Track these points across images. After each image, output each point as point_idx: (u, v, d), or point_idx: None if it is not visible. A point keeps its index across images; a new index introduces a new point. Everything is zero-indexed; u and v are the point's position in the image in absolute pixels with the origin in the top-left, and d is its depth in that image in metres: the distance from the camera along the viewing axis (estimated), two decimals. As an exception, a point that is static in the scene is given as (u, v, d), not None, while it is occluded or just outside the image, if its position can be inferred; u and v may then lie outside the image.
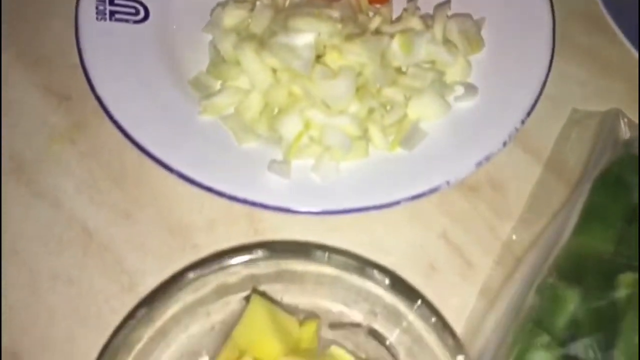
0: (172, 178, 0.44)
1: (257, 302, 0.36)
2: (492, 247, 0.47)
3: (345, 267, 0.35)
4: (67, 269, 0.45)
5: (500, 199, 0.49)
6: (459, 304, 0.44)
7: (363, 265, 0.35)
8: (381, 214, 0.45)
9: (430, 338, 0.35)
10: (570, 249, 0.43)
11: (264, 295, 0.37)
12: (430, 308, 0.35)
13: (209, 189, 0.42)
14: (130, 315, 0.37)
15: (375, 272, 0.35)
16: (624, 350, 0.38)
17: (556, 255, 0.43)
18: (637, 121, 0.49)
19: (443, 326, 0.34)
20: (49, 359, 0.43)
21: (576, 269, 0.41)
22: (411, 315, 0.36)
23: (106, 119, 0.45)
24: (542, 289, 0.41)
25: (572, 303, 0.40)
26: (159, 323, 0.35)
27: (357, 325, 0.39)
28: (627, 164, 0.45)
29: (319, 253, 0.35)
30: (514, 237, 0.46)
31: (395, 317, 0.37)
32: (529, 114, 0.45)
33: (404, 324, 0.36)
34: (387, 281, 0.34)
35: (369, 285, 0.36)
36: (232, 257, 0.35)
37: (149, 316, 0.34)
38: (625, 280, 0.40)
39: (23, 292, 0.44)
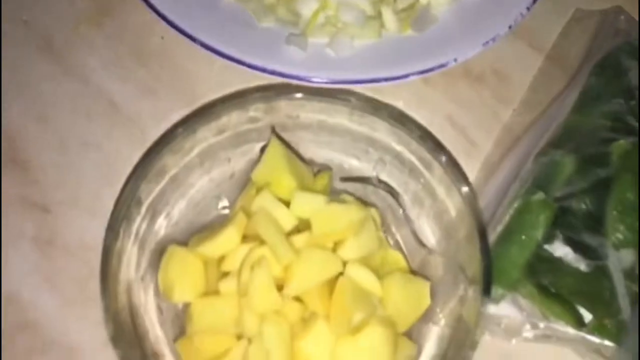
0: (194, 58, 0.46)
1: (275, 144, 0.39)
2: (494, 130, 0.49)
3: (361, 108, 0.37)
4: (95, 137, 0.48)
5: (504, 87, 0.51)
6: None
7: (378, 105, 0.37)
8: (391, 97, 0.48)
9: (435, 180, 0.38)
10: (568, 124, 0.45)
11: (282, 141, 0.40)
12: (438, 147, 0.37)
13: (228, 57, 0.44)
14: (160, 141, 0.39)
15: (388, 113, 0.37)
16: (615, 204, 0.40)
17: (554, 131, 0.45)
18: (637, 17, 0.51)
19: (449, 162, 0.36)
20: (77, 213, 0.46)
21: (573, 140, 0.44)
22: (416, 159, 0.38)
23: (130, 3, 0.48)
24: (540, 157, 0.44)
25: (568, 168, 0.43)
26: (185, 158, 0.38)
27: (366, 179, 0.42)
28: (624, 50, 0.47)
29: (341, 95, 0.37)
30: (513, 117, 0.49)
31: (401, 164, 0.39)
32: (534, 1, 0.48)
33: (411, 170, 0.39)
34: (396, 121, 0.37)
35: (379, 135, 0.39)
36: (253, 93, 0.37)
37: (177, 145, 0.36)
38: (620, 146, 0.43)
39: (53, 154, 0.47)
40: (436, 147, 0.37)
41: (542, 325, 0.39)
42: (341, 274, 0.36)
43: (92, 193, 0.46)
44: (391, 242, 0.41)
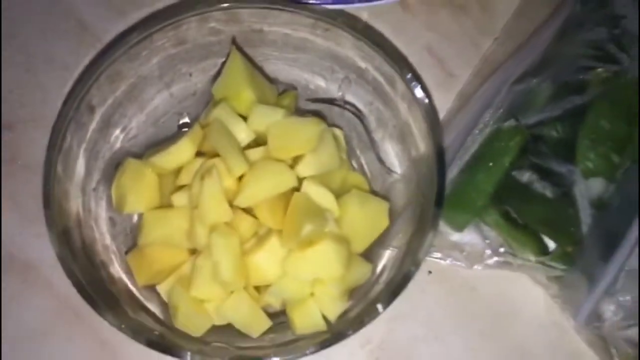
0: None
1: (235, 56, 0.37)
2: (474, 61, 0.48)
3: (325, 19, 0.36)
4: (62, 56, 0.47)
5: (487, 18, 0.50)
6: (438, 106, 0.46)
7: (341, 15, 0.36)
8: (369, 27, 0.47)
9: (398, 97, 0.36)
10: (547, 52, 0.43)
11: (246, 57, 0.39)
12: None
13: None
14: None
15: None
16: (588, 131, 0.39)
17: (533, 59, 0.44)
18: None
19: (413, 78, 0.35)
20: (41, 132, 0.45)
21: (552, 68, 0.42)
22: (380, 75, 0.37)
23: None
24: (516, 85, 0.42)
25: (543, 96, 0.41)
26: (142, 67, 0.37)
27: (332, 100, 0.41)
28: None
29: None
30: (494, 46, 0.47)
31: (366, 82, 0.38)
32: None
33: (375, 89, 0.38)
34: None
35: (343, 50, 0.38)
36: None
37: (133, 51, 0.35)
38: (599, 74, 0.41)
39: (19, 70, 0.46)
40: (400, 61, 0.36)
41: (502, 251, 0.38)
42: (298, 190, 0.35)
43: (56, 112, 0.45)
44: (355, 165, 0.40)
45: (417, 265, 0.32)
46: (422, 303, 0.41)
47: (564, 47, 0.43)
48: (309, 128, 0.35)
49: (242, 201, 0.34)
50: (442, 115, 0.46)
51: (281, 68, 0.40)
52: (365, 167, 0.40)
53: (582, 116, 0.40)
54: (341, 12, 0.38)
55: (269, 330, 0.35)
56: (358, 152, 0.40)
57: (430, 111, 0.34)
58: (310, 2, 0.43)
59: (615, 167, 0.38)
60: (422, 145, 0.35)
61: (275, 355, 0.31)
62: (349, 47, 0.37)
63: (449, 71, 0.48)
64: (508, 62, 0.46)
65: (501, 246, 0.39)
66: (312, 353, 0.31)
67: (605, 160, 0.38)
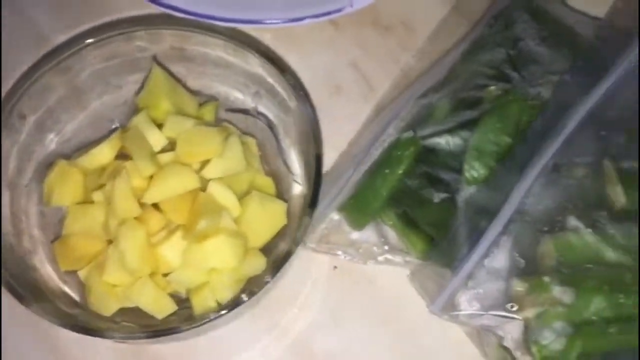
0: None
1: (156, 71, 0.42)
2: (394, 76, 0.52)
3: (232, 41, 0.41)
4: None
5: (411, 37, 0.54)
6: (355, 118, 0.50)
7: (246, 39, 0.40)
8: (299, 42, 0.51)
9: (298, 111, 0.41)
10: (452, 71, 0.48)
11: (167, 72, 0.44)
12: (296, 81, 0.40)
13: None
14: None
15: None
16: (476, 143, 0.43)
17: (439, 76, 0.48)
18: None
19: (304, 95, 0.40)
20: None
21: (453, 85, 0.47)
22: (283, 91, 0.41)
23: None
24: (420, 100, 0.47)
25: (441, 111, 0.46)
26: (75, 80, 0.42)
27: (247, 110, 0.45)
28: (519, 3, 0.49)
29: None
30: (412, 63, 0.51)
31: (274, 97, 0.43)
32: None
33: (280, 103, 0.43)
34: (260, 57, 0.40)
35: (252, 68, 0.42)
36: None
37: (64, 65, 0.40)
38: (491, 92, 0.45)
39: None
40: (293, 79, 0.40)
41: (386, 249, 0.42)
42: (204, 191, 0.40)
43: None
44: (268, 169, 0.44)
45: (296, 244, 0.36)
46: (328, 296, 0.45)
47: (466, 66, 0.47)
48: (215, 136, 0.40)
49: (148, 198, 0.38)
50: (359, 125, 0.50)
51: (204, 82, 0.45)
52: (277, 170, 0.44)
53: (472, 130, 0.44)
54: (247, 35, 0.43)
55: (175, 314, 0.39)
56: (271, 158, 0.44)
57: (313, 122, 0.39)
58: (243, 20, 0.47)
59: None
60: (309, 152, 0.39)
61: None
62: (256, 66, 0.42)
63: (371, 85, 0.52)
64: (420, 78, 0.50)
65: (388, 244, 0.43)
66: (210, 321, 0.36)
67: (488, 169, 0.42)
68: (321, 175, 0.38)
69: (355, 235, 0.44)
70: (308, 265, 0.46)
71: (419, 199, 0.43)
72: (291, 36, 0.52)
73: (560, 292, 0.35)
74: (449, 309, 0.37)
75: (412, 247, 0.43)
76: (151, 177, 0.39)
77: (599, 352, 0.35)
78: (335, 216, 0.45)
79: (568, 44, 0.47)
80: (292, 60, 0.52)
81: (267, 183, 0.43)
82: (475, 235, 0.38)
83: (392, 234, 0.45)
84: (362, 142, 0.48)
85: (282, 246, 0.41)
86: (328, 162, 0.49)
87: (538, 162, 0.39)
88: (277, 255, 0.40)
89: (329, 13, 0.49)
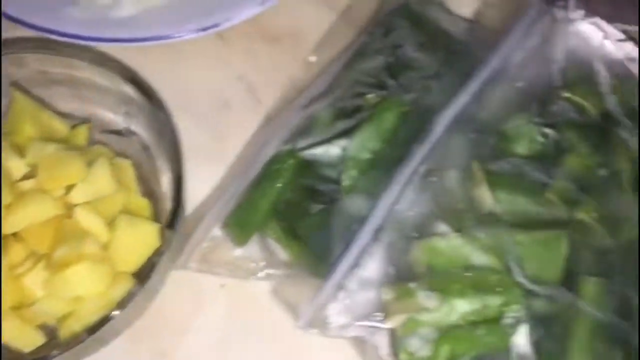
0: None
1: (17, 98, 0.41)
2: (283, 87, 0.52)
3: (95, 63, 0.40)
4: None
5: (299, 47, 0.53)
6: (244, 132, 0.49)
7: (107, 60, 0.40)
8: (186, 58, 0.51)
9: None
10: (332, 82, 0.47)
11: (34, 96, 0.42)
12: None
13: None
14: None
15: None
16: (353, 152, 0.43)
17: (321, 86, 0.48)
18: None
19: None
20: None
21: (334, 94, 0.46)
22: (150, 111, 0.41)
23: None
24: (302, 111, 0.46)
25: (322, 121, 0.45)
26: None
27: (120, 131, 0.44)
28: (400, 11, 0.50)
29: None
30: (300, 73, 0.51)
31: (145, 116, 0.42)
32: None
33: (149, 121, 0.42)
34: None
35: (120, 88, 0.42)
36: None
37: None
38: (369, 100, 0.45)
39: None
40: (156, 100, 0.40)
41: (263, 264, 0.41)
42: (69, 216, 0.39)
43: None
44: (144, 190, 0.43)
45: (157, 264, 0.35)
46: (215, 315, 0.45)
47: (347, 74, 0.47)
48: (77, 159, 0.39)
49: (7, 227, 0.37)
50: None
51: (75, 104, 0.44)
52: (154, 191, 0.43)
53: (350, 139, 0.44)
54: (106, 55, 0.42)
55: (48, 344, 0.38)
56: (147, 178, 0.44)
57: (173, 143, 0.38)
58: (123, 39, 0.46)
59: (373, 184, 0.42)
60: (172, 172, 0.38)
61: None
62: (122, 85, 0.41)
63: (259, 98, 0.52)
64: (306, 89, 0.50)
65: (274, 259, 0.43)
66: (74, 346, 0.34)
67: (364, 177, 0.42)
68: (181, 196, 0.38)
69: (238, 251, 0.44)
70: (195, 285, 0.45)
71: (300, 211, 0.43)
72: (179, 51, 0.52)
73: (425, 298, 0.35)
74: (318, 322, 0.36)
75: (295, 260, 0.42)
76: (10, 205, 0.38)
77: (469, 355, 0.35)
78: (218, 233, 0.44)
79: (444, 48, 0.47)
80: (179, 75, 0.52)
81: (143, 205, 0.42)
82: (347, 245, 0.38)
83: (278, 248, 0.44)
84: (247, 156, 0.47)
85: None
86: (216, 178, 0.48)
87: (406, 168, 0.39)
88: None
89: (206, 28, 0.48)
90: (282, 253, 0.44)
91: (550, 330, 0.36)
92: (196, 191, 0.47)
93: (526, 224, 0.38)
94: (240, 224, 0.43)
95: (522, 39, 0.43)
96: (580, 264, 0.38)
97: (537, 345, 0.35)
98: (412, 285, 0.36)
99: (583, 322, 0.36)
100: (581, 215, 0.38)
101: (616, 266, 0.38)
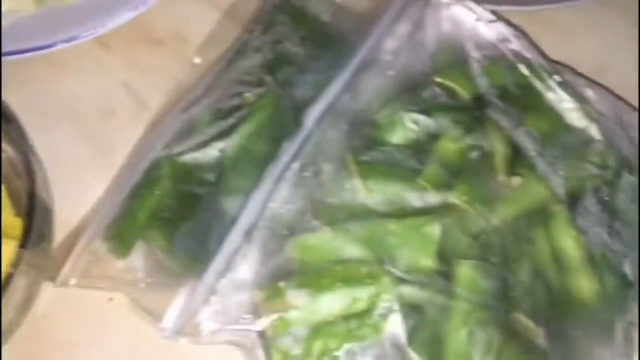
0: None
1: None
2: (168, 91, 0.51)
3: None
4: None
5: (184, 49, 0.52)
6: (129, 140, 0.48)
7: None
8: (68, 68, 0.50)
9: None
10: (211, 82, 0.47)
11: None
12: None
13: None
14: None
15: None
16: (230, 153, 0.42)
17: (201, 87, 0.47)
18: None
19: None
20: None
21: (212, 96, 0.45)
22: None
23: None
24: (181, 114, 0.45)
25: (202, 124, 0.44)
26: None
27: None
28: (280, 6, 0.49)
29: None
30: (184, 76, 0.50)
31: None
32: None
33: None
34: None
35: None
36: None
37: None
38: (247, 98, 0.44)
39: None
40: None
41: (140, 275, 0.40)
42: None
43: None
44: (19, 207, 0.42)
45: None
46: (102, 329, 0.43)
47: (227, 75, 0.46)
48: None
49: None
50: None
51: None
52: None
53: (227, 140, 0.43)
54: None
55: None
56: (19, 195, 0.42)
57: (27, 160, 0.37)
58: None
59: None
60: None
61: None
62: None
63: (145, 104, 0.51)
64: (188, 92, 0.49)
65: (159, 268, 0.42)
66: None
67: (245, 177, 0.41)
68: (34, 214, 0.36)
69: (121, 263, 0.42)
70: (81, 300, 0.43)
71: (180, 217, 0.42)
72: (60, 61, 0.50)
73: (294, 297, 0.34)
74: (188, 329, 0.35)
75: (178, 268, 0.41)
76: None
77: (343, 349, 0.35)
78: (100, 246, 0.43)
79: (323, 40, 0.46)
80: (62, 86, 0.50)
81: (13, 223, 0.40)
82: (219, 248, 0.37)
83: (164, 257, 0.43)
84: (130, 164, 0.46)
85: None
86: (102, 189, 0.47)
87: (277, 165, 0.38)
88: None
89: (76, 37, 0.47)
90: (167, 261, 0.43)
91: (425, 317, 0.36)
92: (79, 204, 0.45)
93: (399, 212, 0.38)
94: (120, 235, 0.42)
95: (392, 25, 0.43)
96: (454, 248, 0.37)
97: (412, 333, 0.35)
98: (281, 284, 0.35)
99: (458, 306, 0.36)
100: (453, 198, 0.38)
101: (491, 248, 0.38)
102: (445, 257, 0.37)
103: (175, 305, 0.36)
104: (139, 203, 0.42)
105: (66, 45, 0.47)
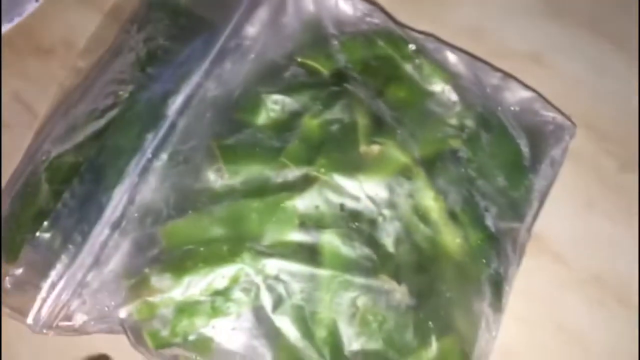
0: None
1: None
2: (55, 97, 0.52)
3: None
4: None
5: (72, 55, 0.54)
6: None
7: None
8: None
9: None
10: (94, 80, 0.48)
11: None
12: None
13: None
14: None
15: None
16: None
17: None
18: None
19: None
20: None
21: (89, 96, 0.47)
22: None
23: None
24: (62, 116, 0.46)
25: (79, 126, 0.45)
26: None
27: None
28: (153, 6, 0.50)
29: None
30: (69, 81, 0.51)
31: None
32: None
33: None
34: None
35: None
36: None
37: None
38: (120, 97, 0.45)
39: None
40: None
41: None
42: None
43: None
44: None
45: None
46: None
47: (102, 75, 0.48)
48: None
49: None
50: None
51: None
52: None
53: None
54: None
55: None
56: None
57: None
58: None
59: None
60: None
61: None
62: None
63: (36, 114, 0.52)
64: (70, 96, 0.50)
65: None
66: None
67: (114, 172, 0.42)
68: None
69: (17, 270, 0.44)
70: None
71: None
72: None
73: (157, 280, 0.36)
74: (59, 322, 0.36)
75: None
76: None
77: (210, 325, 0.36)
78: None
79: (190, 33, 0.47)
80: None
81: None
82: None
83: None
84: (14, 173, 0.47)
85: None
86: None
87: (142, 157, 0.40)
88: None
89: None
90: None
91: (292, 287, 0.37)
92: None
93: (261, 191, 0.39)
94: (7, 241, 0.43)
95: (251, 12, 0.44)
96: (320, 219, 0.39)
97: (278, 303, 0.37)
98: (146, 270, 0.36)
99: (323, 274, 0.37)
100: (312, 172, 0.39)
101: (357, 215, 0.39)
102: (311, 228, 0.39)
103: (40, 300, 0.37)
104: (21, 208, 0.43)
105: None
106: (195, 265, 0.36)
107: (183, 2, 0.50)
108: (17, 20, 0.49)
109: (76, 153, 0.44)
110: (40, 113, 0.51)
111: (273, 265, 0.37)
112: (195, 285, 0.36)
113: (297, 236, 0.38)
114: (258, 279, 0.36)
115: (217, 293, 0.36)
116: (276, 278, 0.37)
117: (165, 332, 0.36)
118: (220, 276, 0.36)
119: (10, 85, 0.52)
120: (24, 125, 0.51)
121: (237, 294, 0.36)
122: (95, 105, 0.46)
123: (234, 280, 0.36)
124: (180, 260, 0.37)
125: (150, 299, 0.36)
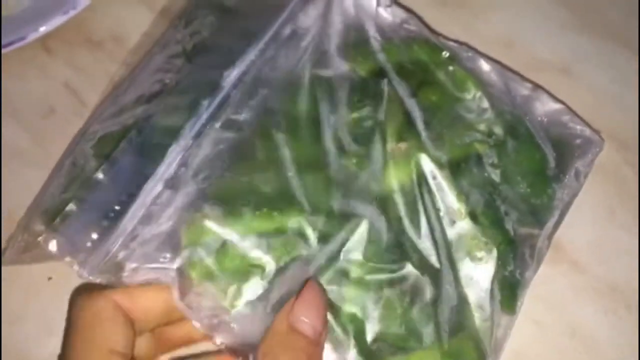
0: None
1: None
2: (106, 90, 0.55)
3: None
4: None
5: (121, 49, 0.57)
6: (70, 135, 0.52)
7: None
8: (12, 70, 0.54)
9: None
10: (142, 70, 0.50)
11: None
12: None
13: None
14: None
15: None
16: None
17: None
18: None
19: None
20: None
21: (137, 86, 0.49)
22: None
23: None
24: (111, 104, 0.49)
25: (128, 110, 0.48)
26: None
27: None
28: (200, 3, 0.53)
29: None
30: (119, 73, 0.54)
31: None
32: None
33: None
34: None
35: None
36: None
37: None
38: (168, 84, 0.48)
39: None
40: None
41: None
42: None
43: None
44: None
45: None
46: (39, 305, 0.47)
47: (149, 65, 0.50)
48: None
49: None
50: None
51: None
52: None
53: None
54: None
55: None
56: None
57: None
58: None
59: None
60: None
61: None
62: None
63: (83, 102, 0.55)
64: (119, 87, 0.53)
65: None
66: None
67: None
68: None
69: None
70: (18, 280, 0.47)
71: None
72: (4, 64, 0.54)
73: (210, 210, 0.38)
74: (106, 268, 0.38)
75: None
76: None
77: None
78: (39, 227, 0.46)
79: (238, 28, 0.50)
80: (5, 87, 0.54)
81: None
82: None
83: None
84: (63, 156, 0.49)
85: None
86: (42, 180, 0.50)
87: (197, 121, 0.41)
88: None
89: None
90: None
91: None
92: (21, 194, 0.49)
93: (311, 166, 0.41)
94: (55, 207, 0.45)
95: (303, 6, 0.46)
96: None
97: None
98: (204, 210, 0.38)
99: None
100: (345, 162, 0.41)
101: (385, 207, 0.41)
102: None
103: (91, 246, 0.38)
104: (69, 180, 0.45)
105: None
106: (252, 211, 0.38)
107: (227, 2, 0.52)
108: (72, 13, 0.52)
109: (124, 131, 0.46)
110: (87, 100, 0.54)
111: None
112: (250, 226, 0.38)
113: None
114: (309, 231, 0.38)
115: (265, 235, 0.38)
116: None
117: (209, 260, 0.37)
118: (270, 222, 0.38)
119: (61, 75, 0.55)
120: (71, 112, 0.54)
121: (281, 242, 0.38)
122: (142, 91, 0.48)
123: (282, 230, 0.38)
124: (235, 206, 0.38)
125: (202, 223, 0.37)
